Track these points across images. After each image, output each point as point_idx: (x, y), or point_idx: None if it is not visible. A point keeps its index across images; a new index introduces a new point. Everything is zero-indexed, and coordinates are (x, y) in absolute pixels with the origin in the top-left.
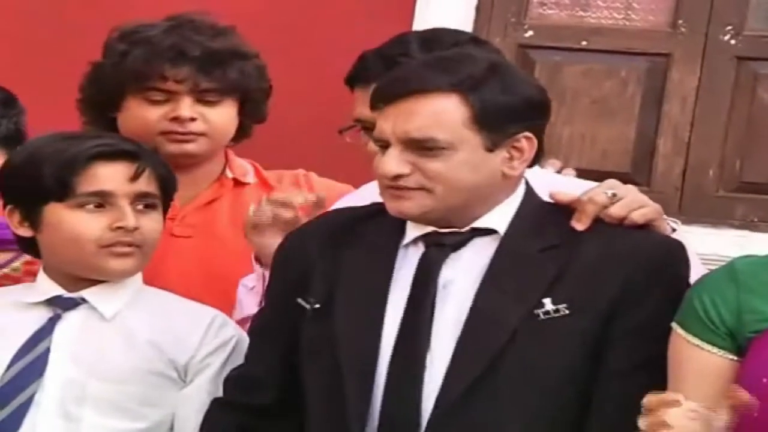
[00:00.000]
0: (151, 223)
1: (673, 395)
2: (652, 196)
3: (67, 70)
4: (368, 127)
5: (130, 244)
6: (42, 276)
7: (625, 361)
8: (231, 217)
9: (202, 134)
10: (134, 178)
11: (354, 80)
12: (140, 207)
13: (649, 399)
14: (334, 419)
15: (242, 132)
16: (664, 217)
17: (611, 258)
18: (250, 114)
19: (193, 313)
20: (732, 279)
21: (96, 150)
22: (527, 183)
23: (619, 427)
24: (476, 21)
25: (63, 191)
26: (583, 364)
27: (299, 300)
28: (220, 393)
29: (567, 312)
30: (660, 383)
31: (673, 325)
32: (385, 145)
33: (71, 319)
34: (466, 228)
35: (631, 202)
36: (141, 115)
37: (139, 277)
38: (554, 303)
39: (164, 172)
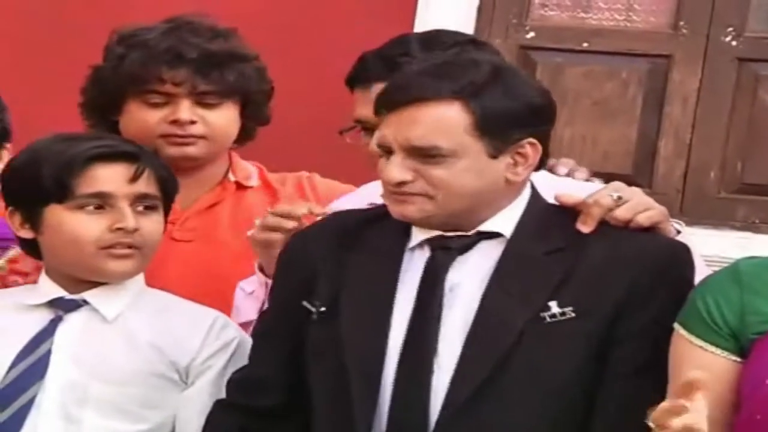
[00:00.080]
0: (152, 224)
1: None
2: (653, 197)
3: (67, 71)
4: (368, 128)
5: (130, 246)
6: (43, 278)
7: (630, 363)
8: (232, 220)
9: (202, 137)
10: (134, 179)
11: (354, 81)
12: (140, 208)
13: (656, 416)
14: (340, 421)
15: (246, 134)
16: (669, 219)
17: (617, 261)
18: (252, 116)
19: (195, 315)
20: (735, 280)
21: (95, 151)
22: (533, 186)
23: (622, 428)
24: (477, 22)
25: (63, 193)
26: (589, 366)
27: (304, 303)
28: (222, 395)
29: (573, 315)
30: (664, 385)
31: (676, 325)
32: (388, 151)
33: (73, 321)
34: (472, 231)
35: (637, 205)
36: (141, 118)
37: (140, 278)
38: (560, 306)
39: (164, 174)
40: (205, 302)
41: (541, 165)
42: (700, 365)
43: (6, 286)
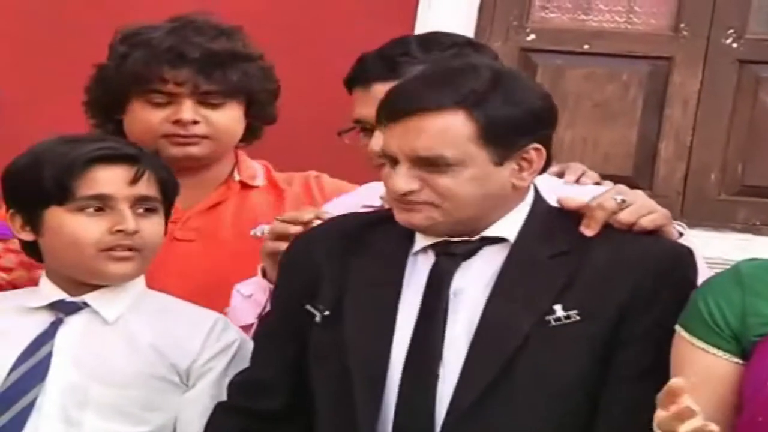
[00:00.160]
0: (152, 226)
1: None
2: (654, 200)
3: (68, 70)
4: (368, 128)
5: (130, 248)
6: (44, 280)
7: (634, 366)
8: (235, 220)
9: (204, 137)
10: (134, 181)
11: (353, 82)
12: (140, 211)
13: (661, 422)
14: (343, 424)
15: (252, 133)
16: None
17: (620, 264)
18: (257, 115)
19: (195, 317)
20: (737, 282)
21: (95, 153)
22: (536, 189)
23: (627, 431)
24: (478, 24)
25: (63, 195)
26: (593, 369)
27: (308, 306)
28: (223, 397)
29: (578, 318)
30: None
31: (677, 327)
32: (392, 161)
33: (73, 324)
34: (476, 237)
35: (640, 208)
36: (144, 118)
37: (141, 280)
38: (565, 309)
39: (165, 176)
40: (206, 302)
41: (545, 168)
42: (702, 367)
43: None
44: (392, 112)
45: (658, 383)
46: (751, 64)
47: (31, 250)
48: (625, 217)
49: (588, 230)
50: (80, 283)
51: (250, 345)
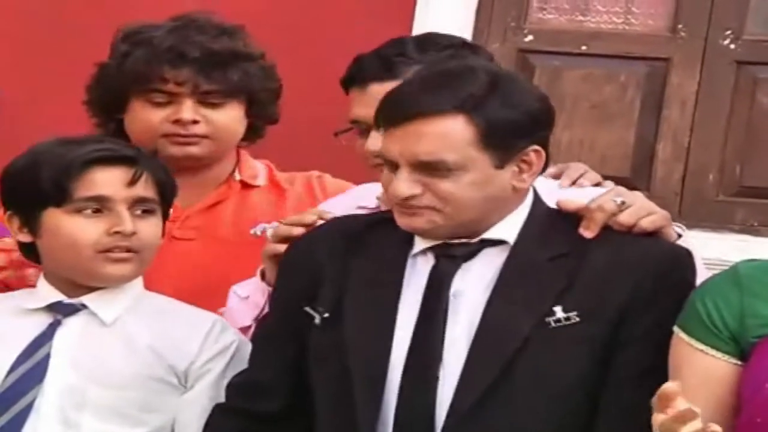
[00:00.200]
0: (150, 228)
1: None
2: (651, 201)
3: (68, 70)
4: (364, 129)
5: (128, 250)
6: (42, 282)
7: (634, 367)
8: (235, 219)
9: (205, 136)
10: (132, 182)
11: (349, 82)
12: (138, 212)
13: (663, 425)
14: (343, 425)
15: (254, 133)
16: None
17: (620, 265)
18: (259, 115)
19: (193, 319)
20: (735, 283)
21: (93, 155)
22: (535, 191)
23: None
24: (476, 25)
25: (61, 196)
26: (593, 370)
27: (307, 309)
28: (221, 398)
29: (578, 319)
30: None
31: (675, 329)
32: (392, 165)
33: (71, 325)
34: (476, 239)
35: (640, 210)
36: (144, 117)
37: (139, 282)
38: (565, 311)
39: (163, 177)
40: (204, 300)
41: (543, 170)
42: (700, 368)
43: None
44: (391, 117)
45: (658, 384)
46: (748, 65)
47: (29, 251)
48: (624, 218)
49: (587, 232)
50: (78, 284)
51: (248, 346)
